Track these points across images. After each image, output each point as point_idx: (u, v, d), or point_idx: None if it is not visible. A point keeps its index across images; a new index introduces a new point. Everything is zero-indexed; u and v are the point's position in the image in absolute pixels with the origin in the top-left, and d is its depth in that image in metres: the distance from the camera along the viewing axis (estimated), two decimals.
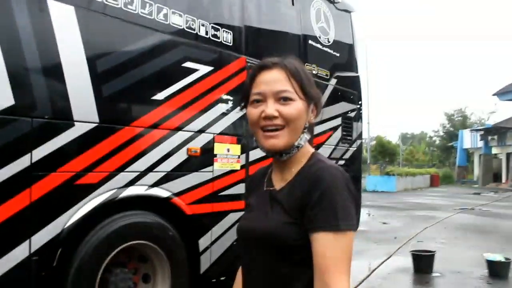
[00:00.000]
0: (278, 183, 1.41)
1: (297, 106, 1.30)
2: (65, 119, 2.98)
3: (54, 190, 2.90)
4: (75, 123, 3.01)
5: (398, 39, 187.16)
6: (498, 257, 6.30)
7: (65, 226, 2.96)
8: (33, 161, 2.80)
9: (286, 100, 1.29)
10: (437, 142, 57.89)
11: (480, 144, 35.69)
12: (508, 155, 33.25)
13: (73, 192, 3.02)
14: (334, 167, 1.30)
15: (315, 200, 1.22)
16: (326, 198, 1.22)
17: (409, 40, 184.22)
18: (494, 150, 35.35)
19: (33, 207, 2.80)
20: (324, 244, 1.19)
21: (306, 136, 1.38)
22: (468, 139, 37.90)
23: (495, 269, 6.13)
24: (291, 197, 1.30)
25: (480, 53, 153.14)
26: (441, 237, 9.39)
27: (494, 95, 35.25)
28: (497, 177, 35.04)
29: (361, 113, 6.40)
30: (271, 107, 1.29)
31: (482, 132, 35.25)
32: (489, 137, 34.46)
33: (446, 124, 52.30)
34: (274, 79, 1.31)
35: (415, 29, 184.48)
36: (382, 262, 6.98)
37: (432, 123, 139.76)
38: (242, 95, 1.40)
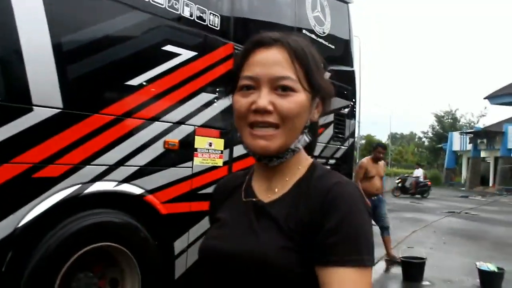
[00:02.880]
0: (264, 193, 1.07)
1: (298, 100, 0.99)
2: (22, 103, 2.59)
3: (6, 183, 2.52)
4: (34, 107, 2.63)
5: (388, 35, 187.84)
6: (491, 267, 6.01)
7: (18, 226, 2.59)
8: None
9: (285, 90, 0.98)
10: (426, 143, 57.92)
11: (469, 147, 35.60)
12: (496, 159, 33.22)
13: (29, 187, 2.64)
14: (351, 184, 0.98)
15: (333, 225, 0.91)
16: (348, 225, 0.91)
17: (401, 39, 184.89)
18: (483, 154, 35.31)
19: None
20: (344, 282, 0.87)
21: (306, 138, 1.06)
22: (457, 142, 37.81)
23: (488, 280, 5.82)
24: (293, 215, 0.98)
25: (472, 56, 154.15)
26: (430, 242, 9.13)
27: (485, 98, 35.32)
28: (484, 181, 34.99)
29: (354, 110, 6.07)
30: (264, 98, 0.97)
31: (471, 135, 35.22)
32: (478, 140, 34.37)
33: (436, 126, 52.25)
34: (273, 61, 0.98)
35: (408, 28, 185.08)
36: None
37: (422, 124, 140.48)
38: (229, 77, 1.06)
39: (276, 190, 1.05)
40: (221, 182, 1.27)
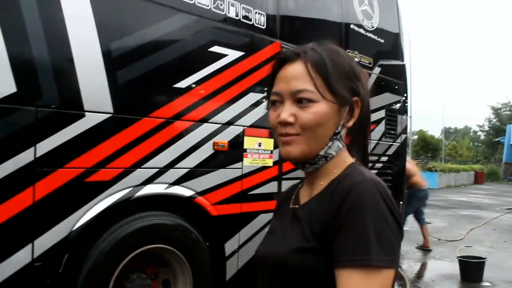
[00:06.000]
0: (305, 199, 1.10)
1: (318, 110, 1.01)
2: (74, 109, 2.65)
3: (61, 188, 2.59)
4: (86, 113, 2.68)
5: (441, 26, 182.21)
6: None
7: (73, 229, 2.65)
8: (37, 155, 2.49)
9: (305, 102, 1.01)
10: (482, 137, 55.82)
11: None
12: None
13: (82, 191, 2.70)
14: (371, 181, 0.94)
15: (340, 222, 0.90)
16: (354, 222, 0.89)
17: (453, 29, 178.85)
18: None
19: (36, 207, 2.50)
20: (349, 284, 0.86)
21: (339, 143, 1.07)
22: None
23: None
24: (314, 216, 1.00)
25: None
26: (490, 240, 8.76)
27: None
28: None
29: (406, 106, 5.88)
30: (286, 112, 1.02)
31: None
32: None
33: (492, 118, 50.22)
34: (292, 75, 1.03)
35: (462, 16, 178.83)
36: (425, 267, 6.49)
37: (477, 117, 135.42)
38: (266, 94, 1.13)
39: (313, 194, 1.08)
40: (283, 191, 1.32)
